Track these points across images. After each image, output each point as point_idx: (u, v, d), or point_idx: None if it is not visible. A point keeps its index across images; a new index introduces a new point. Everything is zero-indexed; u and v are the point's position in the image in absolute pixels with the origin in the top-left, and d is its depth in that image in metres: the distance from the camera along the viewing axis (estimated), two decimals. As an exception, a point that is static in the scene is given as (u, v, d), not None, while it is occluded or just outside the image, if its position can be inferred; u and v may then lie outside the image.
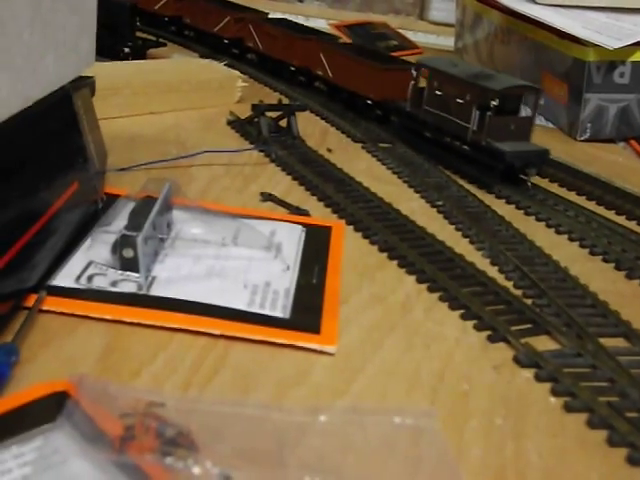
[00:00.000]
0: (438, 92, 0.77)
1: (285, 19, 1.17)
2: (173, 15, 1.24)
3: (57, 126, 0.50)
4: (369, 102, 0.89)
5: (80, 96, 0.55)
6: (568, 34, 0.88)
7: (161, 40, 1.11)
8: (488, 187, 0.70)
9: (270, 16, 1.17)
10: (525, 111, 0.75)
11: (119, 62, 0.93)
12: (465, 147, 0.73)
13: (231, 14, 1.13)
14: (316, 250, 0.53)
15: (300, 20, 1.64)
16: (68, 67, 0.50)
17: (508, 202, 0.68)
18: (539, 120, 0.98)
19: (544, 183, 0.73)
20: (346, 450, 0.34)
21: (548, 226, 0.63)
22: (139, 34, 1.05)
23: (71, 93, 0.52)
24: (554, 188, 0.72)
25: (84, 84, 0.56)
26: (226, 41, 1.14)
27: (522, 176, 0.71)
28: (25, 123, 0.43)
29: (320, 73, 0.98)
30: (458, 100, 0.74)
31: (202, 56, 1.10)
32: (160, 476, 0.29)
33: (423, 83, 0.79)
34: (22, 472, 0.28)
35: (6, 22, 0.38)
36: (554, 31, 0.91)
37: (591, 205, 0.69)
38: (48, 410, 0.32)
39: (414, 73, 0.80)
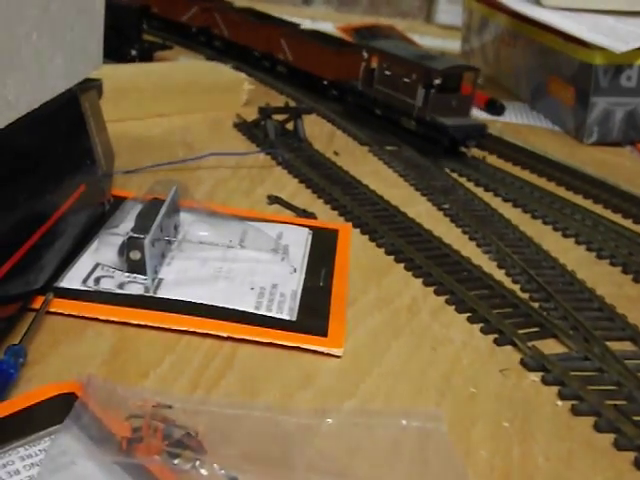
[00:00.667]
0: (387, 72, 0.84)
1: (250, 8, 1.22)
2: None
3: (65, 128, 0.50)
4: (325, 83, 0.97)
5: (87, 98, 0.55)
6: (575, 37, 0.88)
7: (167, 43, 1.11)
8: (434, 158, 0.77)
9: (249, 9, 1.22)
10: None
11: (126, 64, 0.93)
12: (412, 122, 0.81)
13: (198, 4, 1.20)
14: (323, 253, 0.53)
15: (307, 23, 1.64)
16: (76, 69, 0.50)
17: (515, 205, 0.68)
18: (545, 123, 0.98)
19: (551, 186, 0.73)
20: (353, 452, 0.34)
21: (555, 229, 0.63)
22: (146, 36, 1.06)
23: (78, 95, 0.53)
24: (561, 191, 0.72)
25: (91, 86, 0.56)
26: (194, 29, 1.22)
27: (463, 149, 0.79)
28: (33, 125, 0.43)
29: (281, 57, 1.06)
30: (405, 79, 0.81)
31: (208, 59, 1.10)
32: (167, 478, 0.29)
33: (374, 64, 0.86)
34: (29, 473, 0.28)
35: (15, 23, 0.38)
36: (561, 34, 0.91)
37: (598, 208, 0.69)
38: (56, 411, 0.32)
39: (365, 55, 0.87)
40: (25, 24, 0.40)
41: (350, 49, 0.98)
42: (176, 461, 0.29)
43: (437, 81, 0.77)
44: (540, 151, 0.83)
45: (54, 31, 0.44)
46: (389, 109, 0.84)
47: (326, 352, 0.42)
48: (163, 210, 0.49)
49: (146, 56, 1.02)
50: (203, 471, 0.29)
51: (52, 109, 0.45)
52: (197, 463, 0.29)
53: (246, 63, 1.09)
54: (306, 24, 1.62)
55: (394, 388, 0.40)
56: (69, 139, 0.51)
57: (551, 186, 0.74)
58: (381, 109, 0.86)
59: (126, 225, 0.50)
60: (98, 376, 0.34)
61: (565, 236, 0.62)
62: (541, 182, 0.74)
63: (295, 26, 1.13)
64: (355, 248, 0.55)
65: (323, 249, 0.54)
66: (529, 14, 0.94)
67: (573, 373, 0.41)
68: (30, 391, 0.34)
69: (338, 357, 0.42)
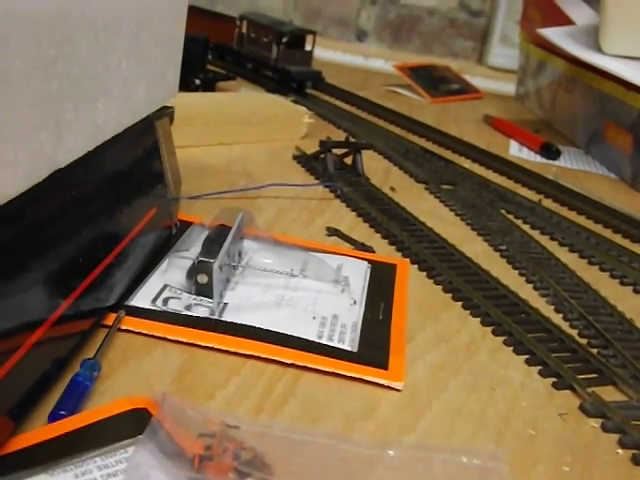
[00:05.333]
0: (253, 35, 1.21)
1: None
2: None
3: (142, 152, 0.52)
4: (211, 45, 1.17)
5: (161, 124, 0.57)
6: (635, 86, 0.88)
7: (230, 74, 1.14)
8: (285, 95, 1.07)
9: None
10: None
11: (191, 93, 0.95)
12: (269, 71, 1.18)
13: None
14: (381, 286, 0.54)
15: (359, 60, 1.67)
16: (156, 96, 0.52)
17: (571, 250, 0.68)
18: (601, 169, 0.98)
19: (607, 233, 0.73)
20: (414, 486, 0.34)
21: (612, 277, 0.63)
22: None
23: (154, 121, 0.55)
24: (617, 239, 0.72)
25: (165, 113, 0.58)
26: None
27: (306, 90, 1.15)
28: (116, 149, 0.45)
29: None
30: (264, 39, 1.18)
31: (268, 91, 1.12)
32: (236, 497, 0.30)
33: (244, 30, 1.23)
34: (107, 483, 0.29)
35: (108, 52, 0.40)
36: (621, 82, 0.91)
37: (656, 258, 0.68)
38: (129, 425, 0.33)
39: (238, 22, 1.24)
40: (117, 53, 0.42)
41: (226, 18, 1.30)
42: (249, 481, 0.29)
43: (285, 39, 1.14)
44: (596, 197, 0.83)
45: (140, 60, 0.46)
46: (255, 62, 1.21)
47: (386, 385, 0.42)
48: (230, 236, 0.50)
49: (209, 86, 1.04)
50: (274, 492, 0.29)
51: (132, 134, 0.47)
52: (268, 484, 0.30)
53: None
54: (359, 61, 1.65)
55: (453, 425, 0.40)
56: (145, 163, 0.52)
57: (608, 233, 0.74)
58: (250, 63, 1.23)
59: (194, 249, 0.51)
60: (172, 394, 0.35)
61: (623, 284, 0.62)
62: (597, 228, 0.74)
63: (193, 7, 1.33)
64: (413, 284, 0.56)
65: (382, 283, 0.55)
66: (589, 60, 0.95)
67: (634, 422, 0.41)
68: (106, 404, 0.35)
69: (398, 390, 0.42)
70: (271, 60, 1.16)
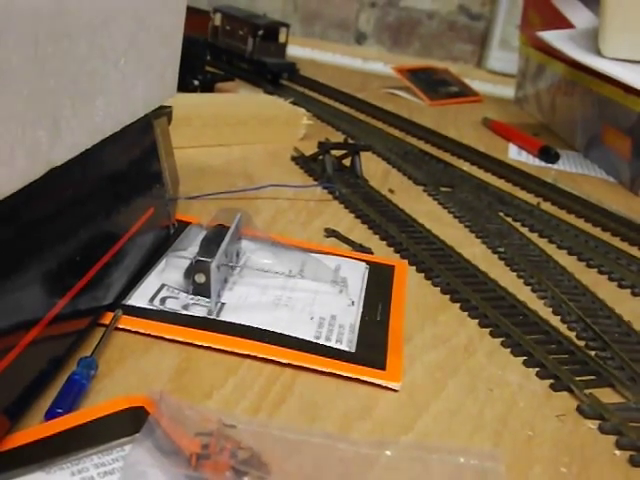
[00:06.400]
0: (228, 28, 1.25)
1: None
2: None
3: (139, 152, 0.52)
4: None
5: (159, 124, 0.57)
6: (635, 89, 0.88)
7: (229, 75, 1.14)
8: (260, 87, 1.14)
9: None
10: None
11: (190, 94, 0.95)
12: (245, 63, 1.21)
13: None
14: (379, 287, 0.54)
15: (358, 62, 1.67)
16: (154, 95, 0.52)
17: (570, 253, 0.68)
18: (599, 173, 0.98)
19: (606, 236, 0.73)
20: (411, 486, 0.34)
21: (610, 279, 0.63)
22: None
23: (152, 120, 0.54)
24: (616, 242, 0.72)
25: (164, 113, 0.58)
26: None
27: (281, 80, 1.20)
28: (114, 147, 0.45)
29: None
30: (240, 32, 1.22)
31: (266, 92, 1.13)
32: (233, 496, 0.29)
33: (217, 22, 1.27)
34: (103, 481, 0.29)
35: (107, 49, 0.40)
36: (621, 86, 0.91)
37: (654, 261, 0.68)
38: (126, 423, 0.33)
39: (212, 16, 1.27)
40: (115, 50, 0.42)
41: (201, 12, 1.28)
42: (245, 479, 0.29)
43: (261, 32, 1.19)
44: (595, 200, 0.83)
45: (139, 58, 0.46)
46: (230, 54, 1.23)
47: (384, 385, 0.42)
48: (228, 237, 0.50)
49: (207, 86, 1.04)
50: (271, 491, 0.29)
51: (130, 133, 0.47)
52: (265, 483, 0.29)
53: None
54: (357, 64, 1.65)
55: (451, 426, 0.40)
56: (142, 163, 0.52)
57: (606, 236, 0.73)
58: (225, 55, 1.25)
59: (191, 249, 0.51)
60: (169, 393, 0.35)
61: (621, 286, 0.62)
62: (596, 232, 0.74)
63: None
64: (411, 285, 0.56)
65: (380, 284, 0.55)
66: (589, 63, 0.95)
67: (632, 424, 0.41)
68: (103, 403, 0.35)
69: (396, 391, 0.42)
70: (247, 52, 1.21)
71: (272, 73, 1.19)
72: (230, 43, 1.25)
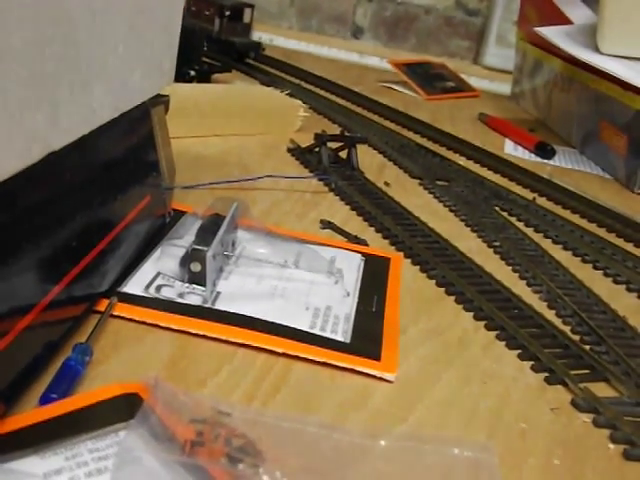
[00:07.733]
0: (193, 8, 1.29)
1: None
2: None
3: (136, 140, 0.51)
4: None
5: (157, 112, 0.56)
6: (632, 86, 0.88)
7: (226, 66, 1.14)
8: (227, 70, 1.11)
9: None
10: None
11: (186, 84, 0.95)
12: (212, 43, 1.21)
13: None
14: (375, 279, 0.54)
15: (354, 57, 1.67)
16: (152, 83, 0.51)
17: (565, 248, 0.68)
18: (595, 169, 0.98)
19: (601, 232, 0.73)
20: (405, 476, 0.34)
21: (606, 275, 0.63)
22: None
23: (150, 108, 0.54)
24: (611, 238, 0.72)
25: (161, 101, 0.58)
26: None
27: (247, 60, 1.27)
28: (111, 134, 0.44)
29: None
30: (206, 12, 1.28)
31: (263, 84, 1.12)
32: (227, 483, 0.29)
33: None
34: (97, 466, 0.29)
35: (105, 36, 0.40)
36: (618, 82, 0.91)
37: (649, 257, 0.68)
38: (121, 409, 0.33)
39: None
40: (114, 36, 0.41)
41: None
42: (240, 466, 0.29)
43: (227, 13, 1.25)
44: (590, 196, 0.83)
45: (137, 46, 0.46)
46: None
47: (379, 376, 0.42)
48: (224, 226, 0.50)
49: (204, 77, 1.04)
50: (265, 478, 0.29)
51: (128, 120, 0.47)
52: (260, 470, 0.29)
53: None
54: (354, 58, 1.65)
55: (445, 417, 0.40)
56: (139, 151, 0.52)
57: (602, 232, 0.74)
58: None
59: (187, 238, 0.51)
60: (164, 380, 0.35)
61: (616, 282, 0.62)
62: (591, 227, 0.75)
63: None
64: (406, 278, 0.56)
65: (375, 276, 0.55)
66: (586, 60, 0.94)
67: (626, 418, 0.41)
68: (97, 389, 0.34)
69: (390, 382, 0.42)
70: (214, 32, 1.26)
71: (239, 52, 1.26)
72: (196, 23, 1.27)
